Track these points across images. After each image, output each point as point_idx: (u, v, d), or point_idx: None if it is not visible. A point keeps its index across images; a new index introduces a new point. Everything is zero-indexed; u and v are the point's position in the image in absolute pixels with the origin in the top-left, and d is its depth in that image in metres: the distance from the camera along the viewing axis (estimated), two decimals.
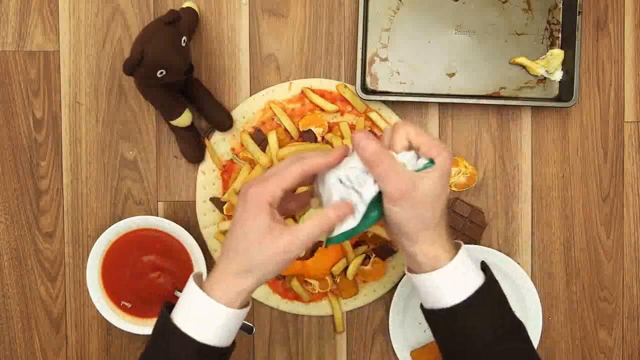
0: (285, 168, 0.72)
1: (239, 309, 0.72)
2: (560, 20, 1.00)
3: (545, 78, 1.00)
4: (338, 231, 0.73)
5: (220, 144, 1.00)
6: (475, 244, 1.00)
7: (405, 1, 1.00)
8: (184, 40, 0.87)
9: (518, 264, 1.00)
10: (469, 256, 0.75)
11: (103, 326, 1.02)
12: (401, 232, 0.73)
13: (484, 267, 0.77)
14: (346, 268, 0.98)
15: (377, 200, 0.72)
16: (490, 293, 0.75)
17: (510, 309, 0.76)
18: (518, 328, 0.76)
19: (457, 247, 0.76)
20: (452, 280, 0.73)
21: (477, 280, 0.74)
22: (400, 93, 1.00)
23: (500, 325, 0.74)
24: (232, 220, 0.73)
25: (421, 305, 0.78)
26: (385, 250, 0.99)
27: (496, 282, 0.76)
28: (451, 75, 1.00)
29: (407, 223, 0.73)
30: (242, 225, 0.71)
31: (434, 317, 0.76)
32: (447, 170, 0.73)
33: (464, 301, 0.72)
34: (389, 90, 1.00)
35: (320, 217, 0.71)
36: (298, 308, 1.01)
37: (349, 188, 0.72)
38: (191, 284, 0.72)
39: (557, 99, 1.00)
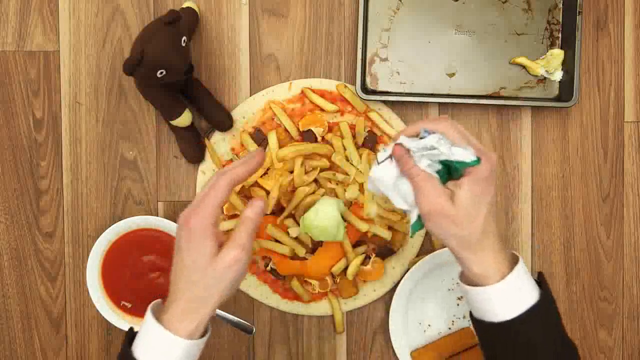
0: (213, 185, 0.72)
1: (200, 339, 0.72)
2: (560, 20, 1.00)
3: (545, 78, 1.00)
4: (415, 217, 0.74)
5: (220, 144, 1.00)
6: None
7: (405, 1, 1.00)
8: (184, 40, 0.87)
9: None
10: (525, 269, 0.73)
11: (103, 326, 1.02)
12: (445, 245, 0.73)
13: (540, 279, 0.75)
14: (346, 268, 0.98)
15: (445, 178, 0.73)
16: (545, 310, 0.72)
17: (564, 329, 0.74)
18: (572, 351, 0.74)
19: (513, 260, 0.73)
20: (505, 297, 0.71)
21: (532, 296, 0.72)
22: (400, 93, 1.00)
23: (553, 351, 0.72)
24: (177, 252, 0.72)
25: (470, 313, 0.76)
26: (385, 250, 0.99)
27: (552, 299, 0.74)
28: (451, 75, 1.00)
29: (446, 241, 0.72)
30: (191, 255, 0.71)
31: (483, 328, 0.74)
32: (484, 182, 0.71)
33: (517, 317, 0.70)
34: (389, 90, 1.00)
35: (242, 219, 0.72)
36: (298, 308, 1.01)
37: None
38: (150, 319, 0.72)
39: (557, 99, 1.00)
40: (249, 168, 0.74)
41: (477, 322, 0.75)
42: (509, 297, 0.71)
